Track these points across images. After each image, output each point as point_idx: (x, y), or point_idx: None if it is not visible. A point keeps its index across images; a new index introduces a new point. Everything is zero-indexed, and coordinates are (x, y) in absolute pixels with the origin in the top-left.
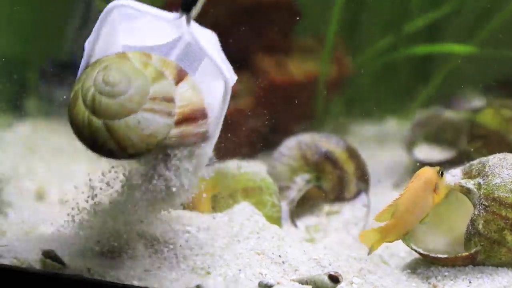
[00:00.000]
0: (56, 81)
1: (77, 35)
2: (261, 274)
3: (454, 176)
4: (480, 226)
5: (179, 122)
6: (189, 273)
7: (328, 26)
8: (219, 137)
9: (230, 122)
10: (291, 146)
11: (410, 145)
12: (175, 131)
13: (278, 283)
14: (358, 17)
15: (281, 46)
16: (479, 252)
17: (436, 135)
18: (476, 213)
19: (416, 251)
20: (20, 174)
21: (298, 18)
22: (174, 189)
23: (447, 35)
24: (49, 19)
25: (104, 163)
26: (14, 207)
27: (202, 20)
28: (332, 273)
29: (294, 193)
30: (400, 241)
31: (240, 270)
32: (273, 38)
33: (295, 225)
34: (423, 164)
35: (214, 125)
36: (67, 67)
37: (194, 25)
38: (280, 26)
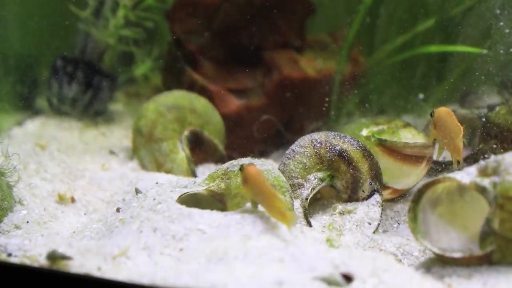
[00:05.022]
0: (67, 78)
1: (88, 33)
2: (275, 272)
3: (469, 174)
4: (496, 225)
5: None
6: (201, 271)
7: (348, 25)
8: (232, 135)
9: (242, 119)
10: (305, 144)
11: None
12: None
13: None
14: (374, 15)
15: (295, 42)
16: (494, 251)
17: None
18: (491, 212)
19: (430, 250)
20: (30, 171)
21: (312, 14)
22: None
23: (463, 34)
24: (60, 17)
25: (114, 161)
26: (25, 204)
27: (216, 16)
28: (346, 272)
29: (307, 192)
30: (413, 240)
31: (253, 268)
32: (287, 34)
33: (309, 224)
34: (437, 162)
35: None
36: (78, 64)
37: None
38: (294, 22)
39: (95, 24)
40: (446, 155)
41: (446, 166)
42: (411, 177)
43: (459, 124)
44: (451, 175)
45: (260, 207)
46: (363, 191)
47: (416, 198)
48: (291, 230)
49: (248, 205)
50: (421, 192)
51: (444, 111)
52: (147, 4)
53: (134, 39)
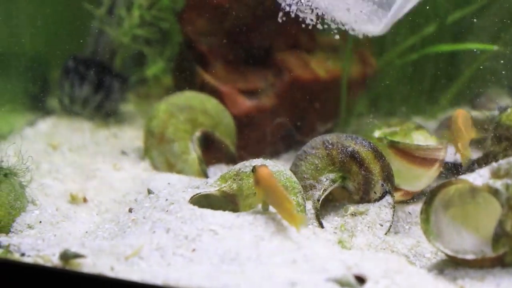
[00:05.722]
0: (79, 78)
1: (99, 33)
2: (287, 273)
3: (481, 176)
4: (508, 227)
5: None
6: (214, 272)
7: None
8: (243, 135)
9: (253, 120)
10: (316, 145)
11: None
12: None
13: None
14: None
15: (305, 43)
16: (507, 253)
17: None
18: (504, 213)
19: (443, 252)
20: (43, 171)
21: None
22: None
23: (473, 34)
24: (72, 17)
25: (126, 162)
26: (38, 204)
27: (225, 17)
28: (358, 273)
29: (319, 193)
30: (425, 241)
31: (265, 269)
32: (298, 35)
33: (321, 225)
34: (448, 164)
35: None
36: (89, 65)
37: None
38: (304, 23)
39: (109, 23)
40: (458, 157)
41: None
42: (422, 179)
43: (461, 128)
44: (463, 176)
45: (271, 209)
46: (374, 192)
47: (428, 200)
48: (300, 232)
49: (260, 206)
50: (433, 193)
51: (456, 112)
52: (163, 4)
53: (146, 39)
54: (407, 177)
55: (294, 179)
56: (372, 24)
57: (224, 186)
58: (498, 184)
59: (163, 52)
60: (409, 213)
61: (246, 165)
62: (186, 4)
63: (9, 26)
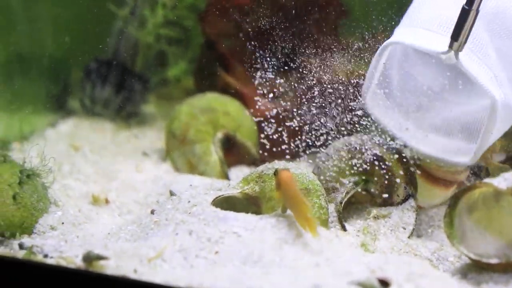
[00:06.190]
0: (100, 79)
1: (120, 34)
2: (311, 276)
3: (506, 179)
4: None
5: None
6: (237, 274)
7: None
8: (265, 138)
9: (276, 122)
10: (339, 148)
11: None
12: None
13: None
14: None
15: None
16: None
17: None
18: None
19: (467, 255)
20: (64, 172)
21: (343, 17)
22: None
23: None
24: (93, 18)
25: (147, 163)
26: (60, 205)
27: (248, 18)
28: (382, 277)
29: (341, 196)
30: (449, 245)
31: (289, 272)
32: (319, 37)
33: (344, 228)
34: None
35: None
36: (110, 66)
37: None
38: (326, 25)
39: (132, 23)
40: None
41: None
42: (436, 198)
43: None
44: (487, 180)
45: (289, 212)
46: (397, 195)
47: (452, 204)
48: (323, 235)
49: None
50: (457, 197)
51: None
52: (186, 2)
53: (169, 40)
54: (422, 194)
55: (317, 181)
56: (462, 156)
57: (247, 188)
58: None
59: (185, 54)
60: (432, 216)
61: (268, 167)
62: (207, 5)
63: (31, 27)
